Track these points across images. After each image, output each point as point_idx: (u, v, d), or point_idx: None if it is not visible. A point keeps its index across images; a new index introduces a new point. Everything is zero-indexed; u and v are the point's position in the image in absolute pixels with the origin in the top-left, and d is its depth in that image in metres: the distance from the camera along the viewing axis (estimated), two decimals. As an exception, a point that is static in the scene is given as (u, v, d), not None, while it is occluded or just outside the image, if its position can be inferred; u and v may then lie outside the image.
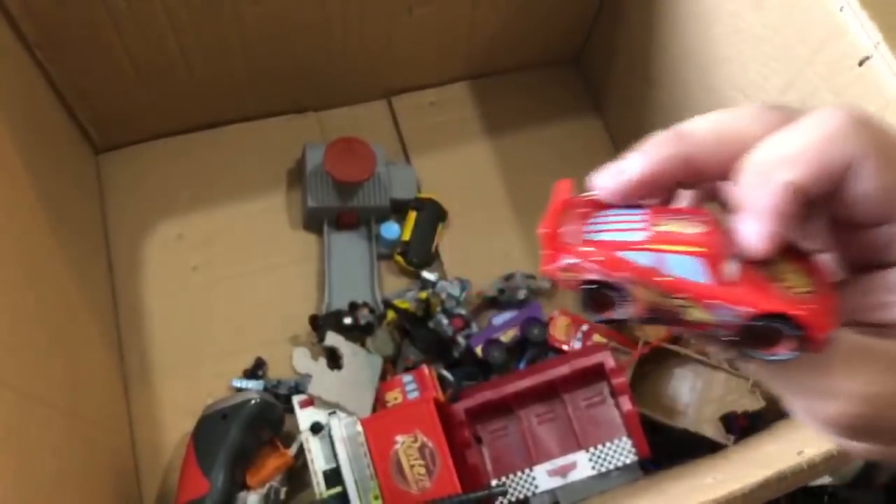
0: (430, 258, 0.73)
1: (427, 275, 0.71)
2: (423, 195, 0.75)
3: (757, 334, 0.21)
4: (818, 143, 0.20)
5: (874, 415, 0.21)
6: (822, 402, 0.22)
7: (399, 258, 0.72)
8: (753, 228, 0.21)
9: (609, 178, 0.23)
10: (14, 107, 0.56)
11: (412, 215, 0.73)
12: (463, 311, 0.68)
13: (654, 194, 0.23)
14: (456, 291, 0.68)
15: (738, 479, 0.33)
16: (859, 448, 0.23)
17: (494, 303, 0.71)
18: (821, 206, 0.22)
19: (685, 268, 0.21)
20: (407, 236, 0.72)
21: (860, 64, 0.46)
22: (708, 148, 0.22)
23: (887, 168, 0.20)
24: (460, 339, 0.66)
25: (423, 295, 0.68)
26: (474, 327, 0.69)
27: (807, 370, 0.22)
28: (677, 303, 0.21)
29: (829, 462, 0.32)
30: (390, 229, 0.72)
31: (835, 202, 0.22)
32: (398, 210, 0.74)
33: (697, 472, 0.45)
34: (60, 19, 0.59)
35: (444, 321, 0.66)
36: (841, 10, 0.47)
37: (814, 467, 0.32)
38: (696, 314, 0.21)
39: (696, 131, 0.22)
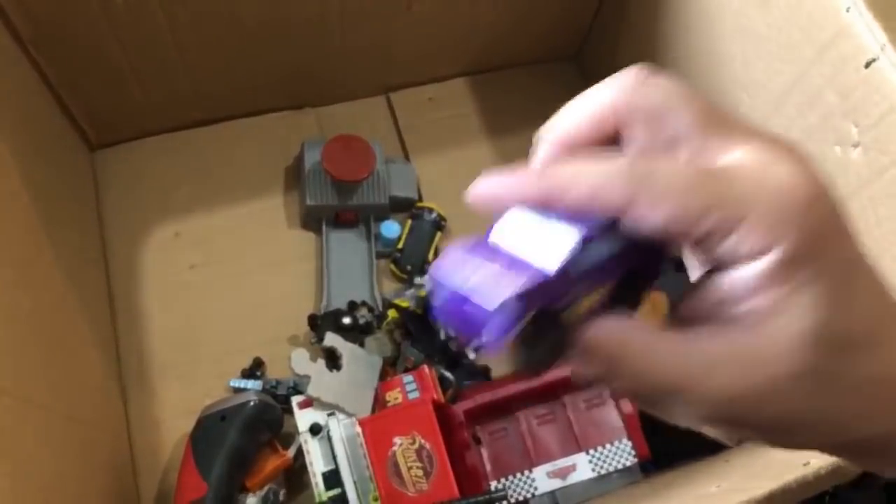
0: (423, 267, 0.72)
1: (420, 281, 0.70)
2: (425, 204, 0.73)
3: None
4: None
5: (742, 411, 0.22)
6: (694, 412, 0.23)
7: (392, 266, 0.72)
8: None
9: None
10: (7, 104, 0.55)
11: (408, 223, 0.73)
12: None
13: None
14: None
15: (743, 489, 0.33)
16: (736, 438, 0.25)
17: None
18: None
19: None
20: (401, 244, 0.72)
21: (866, 66, 0.45)
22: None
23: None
24: (468, 352, 0.66)
25: (423, 293, 0.68)
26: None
27: (673, 386, 0.22)
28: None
29: (836, 474, 0.31)
30: (391, 228, 0.72)
31: None
32: (398, 208, 0.73)
33: (700, 479, 0.45)
34: (55, 15, 0.58)
35: (452, 335, 0.66)
36: (847, 10, 0.46)
37: (820, 479, 0.31)
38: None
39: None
